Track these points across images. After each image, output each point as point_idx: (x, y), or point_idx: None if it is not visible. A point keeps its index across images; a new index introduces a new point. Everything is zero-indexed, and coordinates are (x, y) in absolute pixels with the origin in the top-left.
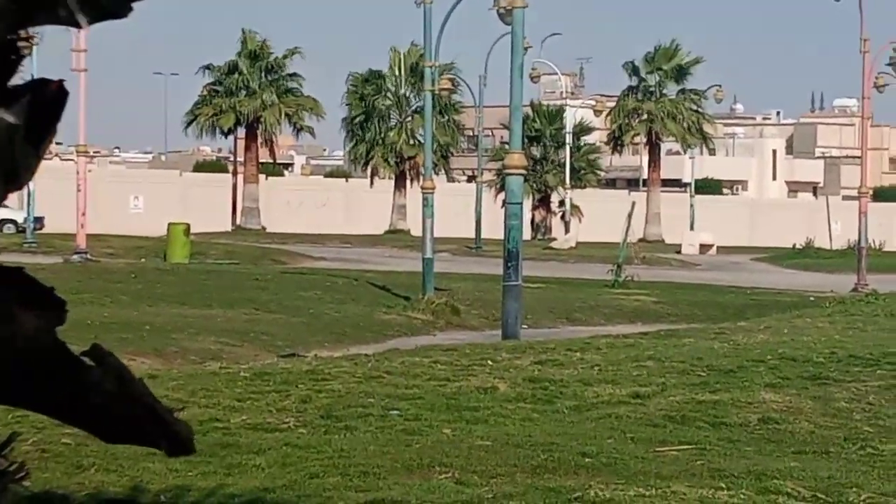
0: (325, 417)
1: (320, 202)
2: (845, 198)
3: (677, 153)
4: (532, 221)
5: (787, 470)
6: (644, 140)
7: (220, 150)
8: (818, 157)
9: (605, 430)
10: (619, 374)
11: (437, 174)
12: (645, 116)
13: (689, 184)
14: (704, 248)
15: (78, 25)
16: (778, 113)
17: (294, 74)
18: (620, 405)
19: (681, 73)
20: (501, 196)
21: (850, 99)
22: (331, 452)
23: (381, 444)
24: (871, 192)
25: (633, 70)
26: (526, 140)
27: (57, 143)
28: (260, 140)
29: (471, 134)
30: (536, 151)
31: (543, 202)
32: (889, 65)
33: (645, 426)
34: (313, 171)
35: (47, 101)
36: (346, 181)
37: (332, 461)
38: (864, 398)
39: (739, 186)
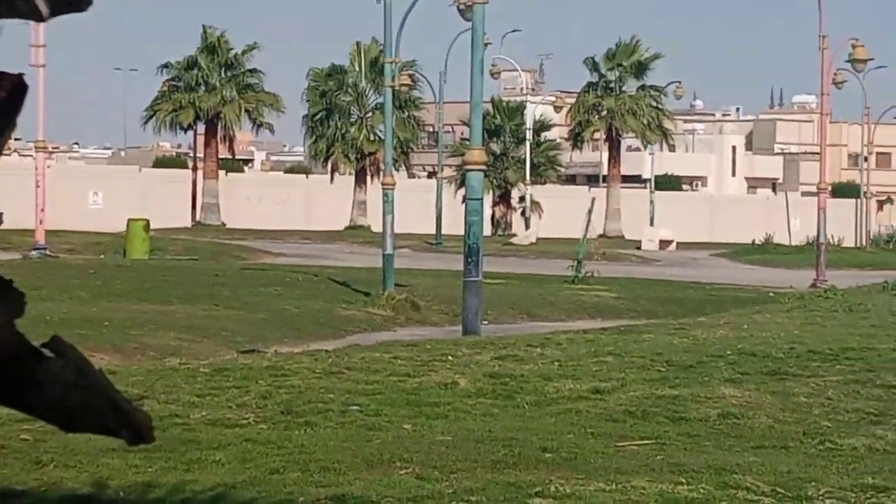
0: (286, 413)
1: (280, 198)
2: (804, 194)
3: (637, 149)
4: (492, 217)
5: (747, 464)
6: (604, 136)
7: (179, 146)
8: (777, 154)
9: (566, 425)
10: (579, 369)
11: (397, 170)
12: (605, 112)
13: (649, 180)
14: (664, 243)
15: (39, 18)
16: (737, 109)
17: (254, 70)
18: (580, 400)
19: (640, 69)
20: (462, 192)
21: (810, 95)
22: (291, 448)
23: (342, 439)
24: (829, 188)
25: (594, 66)
26: (486, 136)
27: (15, 139)
28: (219, 136)
29: (431, 130)
30: (496, 147)
31: (504, 198)
32: (848, 61)
33: (605, 421)
34: (273, 167)
35: (6, 94)
36: (306, 177)
37: (293, 457)
38: (823, 393)
39: (699, 182)
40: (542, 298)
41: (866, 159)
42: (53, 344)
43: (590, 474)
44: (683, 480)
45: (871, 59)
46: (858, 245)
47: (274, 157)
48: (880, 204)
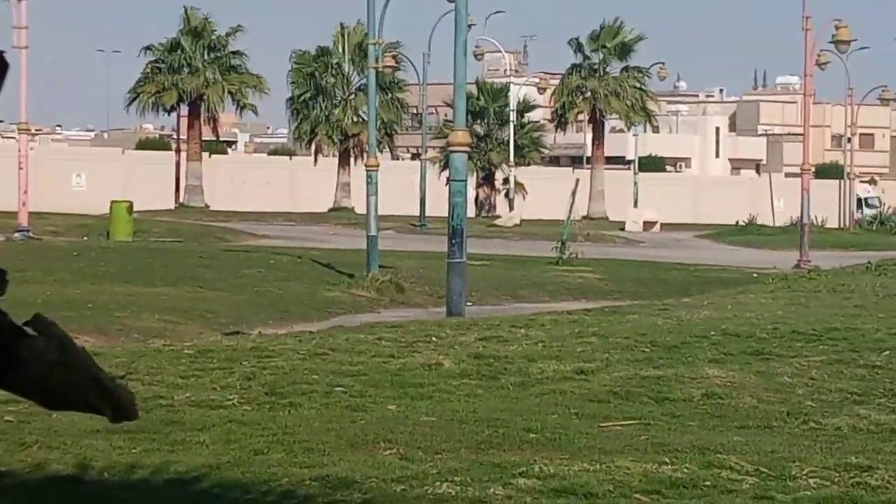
0: (270, 394)
1: (264, 180)
2: (788, 175)
3: (621, 131)
4: (476, 199)
5: (731, 444)
6: (588, 117)
7: (162, 128)
8: (761, 135)
9: (550, 405)
10: (563, 350)
11: (381, 152)
12: (589, 94)
13: (633, 161)
14: (648, 225)
15: None
16: (721, 90)
17: (237, 52)
18: (565, 381)
19: (624, 50)
20: (445, 173)
21: (793, 76)
22: (275, 429)
23: (326, 420)
24: (813, 169)
25: (578, 47)
26: (470, 117)
27: None
28: (203, 118)
29: (415, 111)
30: (480, 129)
31: (487, 180)
32: (831, 42)
33: (589, 402)
34: (257, 149)
35: None
36: (290, 159)
37: (277, 438)
38: (806, 373)
39: (683, 164)
40: (526, 280)
41: (849, 140)
42: (36, 322)
43: (574, 454)
44: (667, 460)
45: (855, 40)
46: (842, 226)
47: (257, 139)
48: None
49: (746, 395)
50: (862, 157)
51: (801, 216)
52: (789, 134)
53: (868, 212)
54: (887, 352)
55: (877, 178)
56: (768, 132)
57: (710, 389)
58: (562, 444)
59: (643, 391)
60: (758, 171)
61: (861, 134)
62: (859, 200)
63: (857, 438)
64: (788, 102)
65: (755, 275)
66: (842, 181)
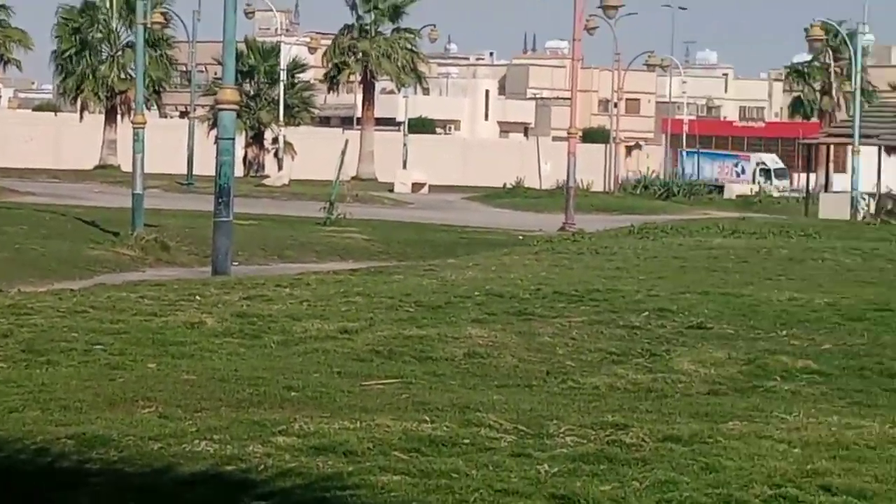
0: (27, 352)
1: (28, 136)
2: (556, 139)
3: (392, 92)
4: (245, 158)
5: (491, 403)
6: (359, 78)
7: None
8: (530, 98)
9: (312, 364)
10: (328, 309)
11: (149, 109)
12: (360, 55)
13: (403, 123)
14: (417, 186)
15: None
16: (491, 54)
17: (2, 6)
18: (328, 340)
19: (396, 12)
20: (214, 132)
21: (562, 41)
22: (31, 387)
23: (84, 378)
24: (580, 133)
25: (353, 7)
26: (239, 76)
27: None
28: None
29: (184, 69)
30: (250, 88)
31: (257, 139)
32: (600, 7)
33: (352, 360)
34: (21, 105)
35: None
36: (55, 115)
37: (33, 395)
38: (567, 333)
39: (452, 126)
40: (294, 240)
41: (616, 105)
42: None
43: (335, 413)
44: (427, 418)
45: (622, 6)
46: (607, 190)
47: (22, 95)
48: (628, 149)
49: (508, 355)
50: (628, 122)
51: (568, 179)
52: (557, 98)
53: (778, 183)
54: (646, 313)
55: (642, 142)
56: (537, 96)
57: (472, 349)
58: (323, 403)
59: (406, 350)
60: (526, 135)
61: (627, 99)
62: (767, 171)
63: (614, 397)
64: (557, 67)
65: (521, 237)
66: (608, 145)
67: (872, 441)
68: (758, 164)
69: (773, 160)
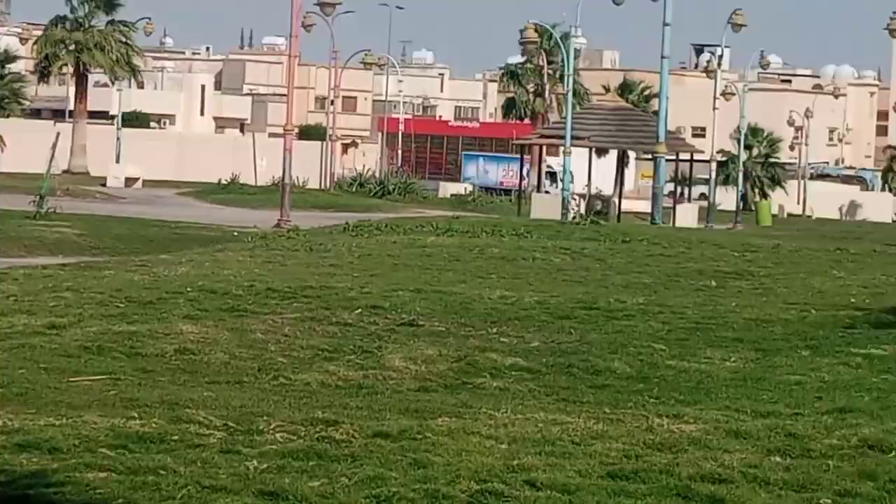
0: None
1: None
2: (272, 135)
3: (105, 85)
4: None
5: (201, 399)
6: (72, 70)
7: None
8: (246, 94)
9: (19, 360)
10: (35, 304)
11: None
12: (73, 46)
13: (117, 116)
14: (130, 181)
15: None
16: (207, 48)
17: None
18: (35, 336)
19: (111, 4)
20: None
21: (280, 37)
22: None
23: None
24: (296, 130)
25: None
26: None
27: None
28: None
29: None
30: None
31: None
32: (317, 4)
33: (59, 356)
34: None
35: None
36: None
37: None
38: (279, 330)
39: (167, 121)
40: (2, 234)
41: (332, 103)
42: None
43: (40, 409)
44: (136, 415)
45: (340, 3)
46: (323, 187)
47: None
48: (345, 147)
49: (219, 351)
50: (345, 120)
51: (283, 176)
52: (274, 94)
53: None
54: (359, 310)
55: (358, 140)
56: (253, 92)
57: (183, 345)
58: (28, 399)
59: (115, 346)
60: (242, 131)
61: (344, 97)
62: (553, 174)
63: (325, 393)
64: (274, 63)
65: (236, 233)
66: (324, 143)
67: (577, 437)
68: (547, 167)
69: (558, 164)
